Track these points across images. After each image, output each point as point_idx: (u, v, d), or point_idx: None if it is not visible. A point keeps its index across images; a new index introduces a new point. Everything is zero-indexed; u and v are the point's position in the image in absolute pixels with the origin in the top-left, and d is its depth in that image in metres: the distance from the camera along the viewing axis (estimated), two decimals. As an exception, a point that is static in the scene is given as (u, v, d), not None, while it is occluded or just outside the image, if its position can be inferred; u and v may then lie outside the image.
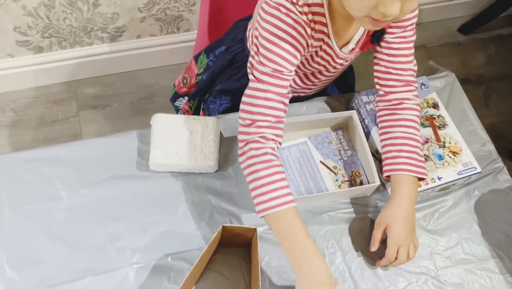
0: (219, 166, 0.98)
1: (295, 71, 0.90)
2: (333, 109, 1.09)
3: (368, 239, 0.94)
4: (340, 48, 0.93)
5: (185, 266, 0.88)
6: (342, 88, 1.22)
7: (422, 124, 1.01)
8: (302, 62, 0.98)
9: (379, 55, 0.96)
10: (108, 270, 0.87)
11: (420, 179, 0.92)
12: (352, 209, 0.98)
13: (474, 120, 1.12)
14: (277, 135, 0.84)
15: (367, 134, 1.01)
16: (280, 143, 0.86)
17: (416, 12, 0.93)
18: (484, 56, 2.03)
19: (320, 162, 1.02)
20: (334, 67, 0.99)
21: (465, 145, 1.00)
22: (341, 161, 1.02)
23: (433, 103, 1.04)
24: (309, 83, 1.07)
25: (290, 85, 0.87)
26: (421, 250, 0.95)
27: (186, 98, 1.25)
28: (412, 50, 0.95)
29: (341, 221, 0.96)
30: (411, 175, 0.89)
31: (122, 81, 1.73)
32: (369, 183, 0.99)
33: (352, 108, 1.06)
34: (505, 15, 2.05)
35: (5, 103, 1.66)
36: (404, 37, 0.92)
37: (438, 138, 1.00)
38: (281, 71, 0.82)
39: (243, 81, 0.96)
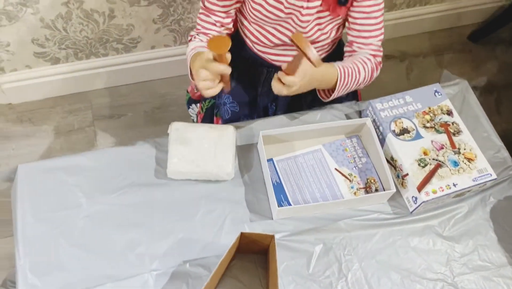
0: (235, 173, 1.00)
1: (262, 18, 1.01)
2: (347, 116, 1.10)
3: (383, 246, 0.94)
4: None
5: (203, 272, 0.89)
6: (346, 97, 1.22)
7: (437, 131, 1.02)
8: (260, 5, 1.00)
9: (349, 19, 1.05)
10: (128, 277, 0.88)
11: (330, 92, 1.06)
12: (368, 216, 0.98)
13: (488, 127, 1.12)
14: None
15: (382, 141, 1.02)
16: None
17: None
18: (495, 64, 2.03)
19: (335, 169, 1.03)
20: (295, 5, 0.99)
21: (479, 152, 1.00)
22: (356, 168, 1.03)
23: (447, 110, 1.05)
24: (281, 36, 1.07)
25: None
26: (438, 256, 0.95)
27: (198, 105, 1.27)
28: (377, 25, 1.05)
29: (357, 228, 0.97)
30: (338, 75, 1.01)
31: (137, 91, 1.76)
32: (384, 190, 1.00)
33: (366, 115, 1.07)
34: (515, 22, 2.05)
35: (22, 114, 1.70)
36: (366, 12, 1.02)
37: (453, 145, 1.00)
38: None
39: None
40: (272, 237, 0.83)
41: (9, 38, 1.47)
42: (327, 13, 1.01)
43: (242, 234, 0.81)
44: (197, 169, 0.96)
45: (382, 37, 1.08)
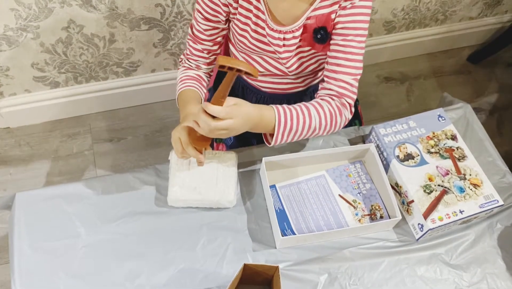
0: (237, 200, 0.98)
1: (248, 48, 1.01)
2: (350, 141, 1.09)
3: (390, 275, 0.92)
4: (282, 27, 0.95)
5: (205, 304, 0.87)
6: None
7: (442, 156, 1.00)
8: (244, 37, 1.00)
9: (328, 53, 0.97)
10: (128, 309, 0.86)
11: (268, 138, 0.95)
12: (373, 244, 0.96)
13: (492, 151, 1.11)
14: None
15: (386, 166, 1.00)
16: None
17: (361, 29, 0.93)
18: (495, 85, 2.04)
19: (339, 195, 1.01)
20: (272, 44, 0.98)
21: (485, 177, 0.99)
22: (360, 194, 1.02)
23: (451, 135, 1.04)
24: (267, 66, 1.06)
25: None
26: (446, 285, 0.93)
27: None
28: (352, 62, 0.94)
29: (363, 256, 0.95)
30: (275, 110, 0.90)
31: (136, 114, 1.75)
32: (389, 217, 0.98)
33: (370, 141, 1.06)
34: (514, 44, 2.06)
35: (20, 138, 1.68)
36: (343, 46, 0.93)
37: (458, 171, 0.99)
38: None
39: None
40: (277, 268, 0.80)
41: (9, 63, 1.47)
42: (308, 47, 1.00)
43: (245, 265, 0.79)
44: (199, 197, 0.95)
45: (357, 76, 0.96)
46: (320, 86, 1.00)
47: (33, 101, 1.63)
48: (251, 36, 1.00)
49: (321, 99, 0.97)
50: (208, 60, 1.08)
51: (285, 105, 0.93)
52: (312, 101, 0.96)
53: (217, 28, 1.02)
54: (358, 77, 0.96)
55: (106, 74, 1.63)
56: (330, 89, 0.97)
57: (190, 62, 1.08)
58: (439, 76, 2.04)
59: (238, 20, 0.99)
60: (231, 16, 0.99)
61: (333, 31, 0.95)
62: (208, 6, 0.97)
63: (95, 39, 1.47)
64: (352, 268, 0.93)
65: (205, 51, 1.06)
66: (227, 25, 1.03)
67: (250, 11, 0.97)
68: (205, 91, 1.09)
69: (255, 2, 0.95)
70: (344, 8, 0.92)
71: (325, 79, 0.98)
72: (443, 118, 1.06)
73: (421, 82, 2.00)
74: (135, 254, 0.91)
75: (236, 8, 0.97)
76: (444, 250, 0.97)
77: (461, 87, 2.01)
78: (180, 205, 0.96)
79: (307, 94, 1.18)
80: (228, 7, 0.97)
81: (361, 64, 0.95)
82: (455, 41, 2.06)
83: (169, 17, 1.47)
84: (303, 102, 0.95)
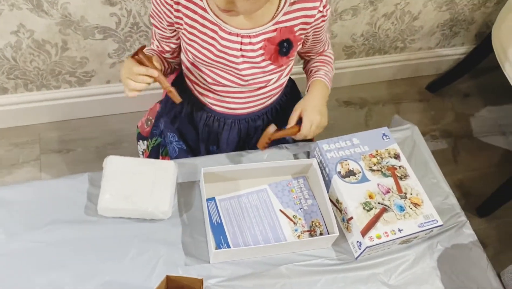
0: (173, 212, 0.94)
1: (198, 62, 1.01)
2: (295, 156, 1.07)
3: (326, 294, 0.89)
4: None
5: (128, 320, 0.82)
6: None
7: (384, 174, 0.99)
8: (191, 47, 0.98)
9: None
10: (43, 323, 0.80)
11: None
12: (310, 261, 0.93)
13: (437, 173, 1.11)
14: None
15: (328, 182, 0.99)
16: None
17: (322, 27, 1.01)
18: (452, 114, 2.07)
19: (280, 210, 0.99)
20: (228, 54, 0.96)
21: (426, 197, 0.98)
22: (301, 210, 0.99)
23: (394, 154, 1.03)
24: (221, 80, 1.03)
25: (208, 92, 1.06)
26: (382, 306, 0.90)
27: (146, 142, 1.23)
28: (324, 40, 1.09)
29: (299, 273, 0.91)
30: (325, 81, 1.09)
31: (89, 126, 1.70)
32: (328, 234, 0.96)
33: (313, 156, 1.04)
34: (470, 74, 2.12)
35: (-36, 145, 1.61)
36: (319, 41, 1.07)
37: (399, 189, 0.98)
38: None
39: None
40: (201, 281, 0.76)
41: (-46, 65, 1.41)
42: (268, 62, 0.98)
43: (168, 277, 0.75)
44: (131, 206, 0.90)
45: (328, 41, 1.13)
46: (306, 59, 1.15)
47: (-21, 107, 1.57)
48: (200, 45, 0.97)
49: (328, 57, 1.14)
50: (176, 61, 1.09)
51: (322, 73, 1.09)
52: (327, 61, 1.13)
53: (170, 40, 1.02)
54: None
55: (58, 83, 1.58)
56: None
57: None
58: (398, 103, 2.06)
59: (185, 30, 0.97)
60: (176, 26, 0.97)
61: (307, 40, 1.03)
62: (156, 12, 0.97)
63: (47, 45, 1.44)
64: (288, 286, 0.90)
65: (169, 53, 1.06)
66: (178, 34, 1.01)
67: (195, 12, 0.94)
68: (167, 67, 1.08)
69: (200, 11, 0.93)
70: (317, 20, 0.97)
71: (312, 56, 1.14)
72: (387, 136, 1.06)
73: (380, 108, 2.02)
74: (58, 264, 0.86)
75: (178, 10, 0.93)
76: (383, 269, 0.95)
77: (419, 114, 2.04)
78: (111, 215, 0.92)
79: (260, 117, 1.14)
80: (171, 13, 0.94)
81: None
82: (415, 70, 2.10)
83: (125, 27, 1.45)
84: (325, 63, 1.12)
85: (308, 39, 1.02)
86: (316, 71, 1.10)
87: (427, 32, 1.91)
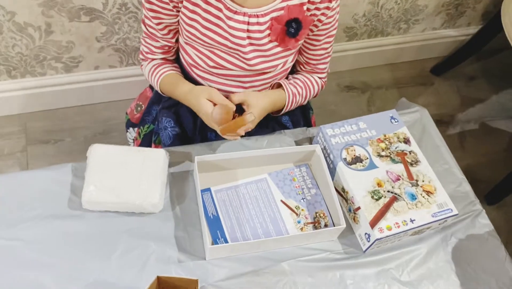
0: (164, 205, 0.86)
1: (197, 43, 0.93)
2: (296, 143, 1.00)
3: (333, 291, 0.82)
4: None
5: (116, 323, 0.74)
6: (299, 124, 1.12)
7: (393, 160, 0.92)
8: (194, 27, 0.90)
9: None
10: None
11: (278, 111, 1.02)
12: (315, 256, 0.86)
13: (449, 159, 1.03)
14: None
15: (333, 170, 0.91)
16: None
17: (330, 23, 0.94)
18: (458, 98, 1.99)
19: (281, 201, 0.91)
20: (233, 36, 0.89)
21: (439, 184, 0.90)
22: (304, 200, 0.92)
23: (404, 138, 0.95)
24: (222, 63, 0.96)
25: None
26: (394, 304, 0.83)
27: (136, 129, 1.14)
28: (327, 53, 1.02)
29: (303, 270, 0.84)
30: (287, 94, 1.00)
31: (77, 115, 1.62)
32: (334, 225, 0.88)
33: (316, 142, 0.96)
34: (476, 57, 2.03)
35: None
36: (326, 42, 0.99)
37: (410, 176, 0.90)
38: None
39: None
40: (196, 282, 0.69)
41: None
42: (275, 43, 0.91)
43: (159, 278, 0.67)
44: (118, 199, 0.82)
45: (329, 59, 1.06)
46: (296, 67, 1.07)
47: (-40, 96, 1.49)
48: (202, 26, 0.89)
49: (314, 79, 1.06)
50: (173, 57, 1.02)
51: (292, 88, 1.00)
52: (309, 81, 1.05)
53: (169, 20, 0.92)
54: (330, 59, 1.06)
55: (43, 69, 1.50)
56: (310, 71, 1.06)
57: (154, 56, 1.00)
58: (402, 87, 1.98)
59: (185, 7, 0.88)
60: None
61: (315, 28, 0.94)
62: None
63: (29, 29, 1.34)
64: (291, 284, 0.82)
65: (166, 47, 0.98)
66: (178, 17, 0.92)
67: None
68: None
69: None
70: (328, 8, 0.90)
71: (303, 68, 1.05)
72: (396, 120, 0.98)
73: (383, 93, 1.94)
74: (39, 263, 0.78)
75: None
76: (394, 264, 0.88)
77: (423, 98, 1.96)
78: (96, 208, 0.84)
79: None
80: None
81: (331, 50, 1.04)
82: (418, 52, 2.02)
83: (112, 8, 1.36)
84: (305, 80, 1.04)
85: (316, 26, 0.94)
86: (292, 84, 1.02)
87: (431, 12, 1.82)
